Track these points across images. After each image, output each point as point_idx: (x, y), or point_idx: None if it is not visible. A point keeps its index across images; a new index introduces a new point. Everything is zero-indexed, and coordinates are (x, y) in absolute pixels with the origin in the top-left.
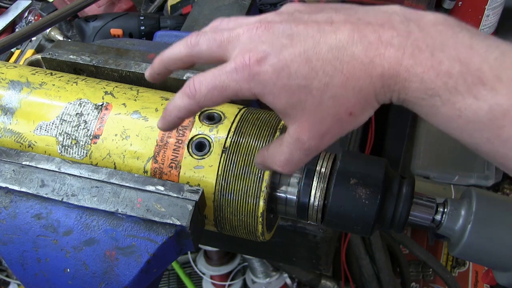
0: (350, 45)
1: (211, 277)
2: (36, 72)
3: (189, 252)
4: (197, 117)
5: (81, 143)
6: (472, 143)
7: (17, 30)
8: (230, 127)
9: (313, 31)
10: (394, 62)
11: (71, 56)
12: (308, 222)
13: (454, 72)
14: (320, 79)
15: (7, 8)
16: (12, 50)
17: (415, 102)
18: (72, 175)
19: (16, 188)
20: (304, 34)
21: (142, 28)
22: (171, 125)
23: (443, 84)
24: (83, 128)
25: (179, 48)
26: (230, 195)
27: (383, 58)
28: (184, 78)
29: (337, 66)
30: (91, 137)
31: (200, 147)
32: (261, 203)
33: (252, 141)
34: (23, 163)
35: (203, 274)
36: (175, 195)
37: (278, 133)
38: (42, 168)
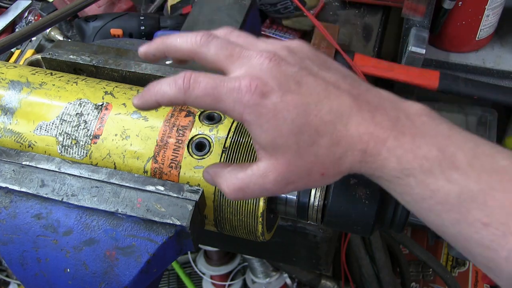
0: (347, 115)
1: (211, 277)
2: (36, 72)
3: (189, 252)
4: (197, 117)
5: (81, 143)
6: (438, 225)
7: (17, 30)
8: (230, 127)
9: (320, 88)
10: (380, 142)
11: (71, 56)
12: (308, 222)
13: (430, 156)
14: (311, 134)
15: (7, 8)
16: (12, 50)
17: (391, 180)
18: (72, 175)
19: (16, 188)
20: (311, 87)
21: (142, 28)
22: (146, 107)
23: (418, 166)
24: (83, 128)
25: (187, 40)
26: None
27: (370, 137)
28: None
29: (329, 130)
30: (91, 137)
31: (200, 147)
32: (261, 203)
33: (252, 141)
34: (23, 163)
35: (203, 274)
36: (175, 195)
37: None
38: (42, 168)
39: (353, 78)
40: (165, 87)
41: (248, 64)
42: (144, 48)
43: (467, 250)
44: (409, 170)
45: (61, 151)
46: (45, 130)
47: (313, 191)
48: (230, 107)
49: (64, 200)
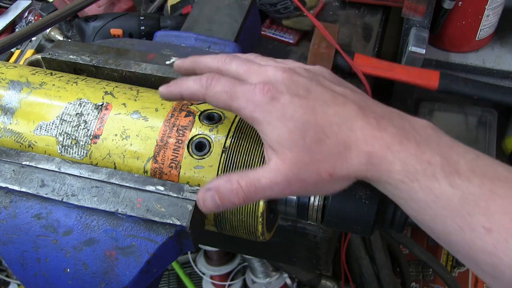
0: (352, 119)
1: (211, 277)
2: (36, 72)
3: (189, 252)
4: (197, 117)
5: (81, 143)
6: (443, 232)
7: (17, 30)
8: (230, 127)
9: (327, 96)
10: (384, 145)
11: (71, 56)
12: (308, 222)
13: (433, 162)
14: (317, 132)
15: (7, 8)
16: (12, 50)
17: (396, 185)
18: (72, 175)
19: (16, 188)
20: (319, 94)
21: (142, 28)
22: (171, 96)
23: (422, 170)
24: (83, 128)
25: (213, 60)
26: None
27: (375, 140)
28: None
29: (335, 130)
30: (91, 137)
31: (200, 147)
32: (261, 203)
33: (252, 141)
34: (23, 163)
35: (203, 274)
36: (175, 195)
37: None
38: (42, 168)
39: (363, 94)
40: (191, 82)
41: (264, 75)
42: (178, 62)
43: (472, 259)
44: (413, 174)
45: (61, 151)
46: (45, 130)
47: None
48: (242, 105)
49: (64, 200)
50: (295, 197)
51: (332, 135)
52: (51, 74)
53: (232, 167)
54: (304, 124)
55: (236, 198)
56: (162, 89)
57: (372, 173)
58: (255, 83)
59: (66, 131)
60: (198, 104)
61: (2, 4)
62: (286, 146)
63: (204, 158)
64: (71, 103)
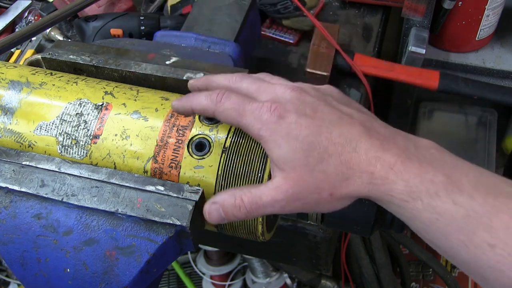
0: (356, 140)
1: (211, 277)
2: (36, 72)
3: (189, 252)
4: (197, 117)
5: (81, 143)
6: (448, 247)
7: (17, 30)
8: (230, 127)
9: (334, 116)
10: (387, 166)
11: (71, 56)
12: (308, 222)
13: (436, 181)
14: (320, 152)
15: (7, 8)
16: (12, 50)
17: (399, 204)
18: (72, 175)
19: (16, 188)
20: (326, 114)
21: (142, 28)
22: (182, 111)
23: (425, 189)
24: (83, 128)
25: (225, 79)
26: None
27: (378, 160)
28: (184, 78)
29: (338, 150)
30: (91, 137)
31: (200, 147)
32: None
33: (252, 141)
34: (23, 163)
35: (203, 274)
36: (175, 195)
37: None
38: (42, 168)
39: (370, 115)
40: (202, 98)
41: (273, 93)
42: (193, 82)
43: (479, 274)
44: (416, 194)
45: (61, 151)
46: (45, 130)
47: None
48: (250, 123)
49: (64, 200)
50: None
51: (335, 155)
52: (51, 74)
53: (232, 167)
54: (309, 144)
55: (238, 213)
56: (175, 103)
57: (374, 193)
58: (264, 101)
59: (66, 131)
60: None
61: (2, 4)
62: (289, 166)
63: (204, 158)
64: (71, 103)
